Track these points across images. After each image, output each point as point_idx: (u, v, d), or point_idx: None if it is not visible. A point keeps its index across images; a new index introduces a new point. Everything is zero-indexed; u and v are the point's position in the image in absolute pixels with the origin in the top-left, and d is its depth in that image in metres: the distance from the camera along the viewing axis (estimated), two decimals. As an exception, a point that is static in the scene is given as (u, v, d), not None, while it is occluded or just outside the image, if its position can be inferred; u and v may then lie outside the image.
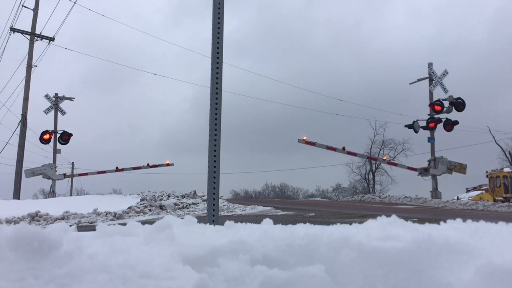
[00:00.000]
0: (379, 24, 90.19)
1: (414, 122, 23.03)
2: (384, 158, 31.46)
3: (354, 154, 25.16)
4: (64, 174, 24.68)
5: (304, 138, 21.54)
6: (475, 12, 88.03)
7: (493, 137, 34.69)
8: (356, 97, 57.43)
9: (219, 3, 4.65)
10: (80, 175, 27.76)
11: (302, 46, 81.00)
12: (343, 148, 22.45)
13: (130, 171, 24.76)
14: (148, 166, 24.24)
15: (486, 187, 26.41)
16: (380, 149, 36.87)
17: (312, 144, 21.77)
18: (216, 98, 4.46)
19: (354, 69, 72.40)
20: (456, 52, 74.79)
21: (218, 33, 4.58)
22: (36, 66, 20.94)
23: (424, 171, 22.96)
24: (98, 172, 25.00)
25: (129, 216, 11.00)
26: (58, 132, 23.65)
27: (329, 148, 22.20)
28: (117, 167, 24.23)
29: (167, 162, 24.53)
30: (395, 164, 27.51)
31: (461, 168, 22.73)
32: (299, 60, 77.54)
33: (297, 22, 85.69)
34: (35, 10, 21.04)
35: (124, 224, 2.55)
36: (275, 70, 72.42)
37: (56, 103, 24.19)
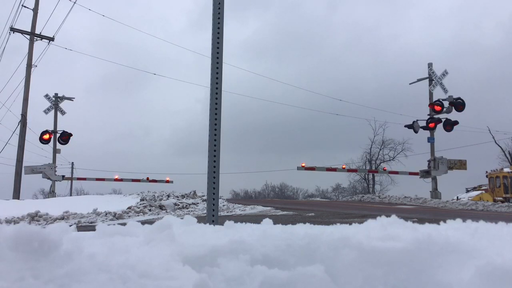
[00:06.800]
0: (396, 28, 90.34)
1: (414, 122, 23.02)
2: (385, 168, 31.63)
3: (355, 171, 25.64)
4: (63, 176, 24.75)
5: (303, 164, 21.98)
6: (492, 15, 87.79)
7: (493, 137, 34.67)
8: (366, 100, 57.26)
9: (219, 3, 4.65)
10: (78, 179, 27.91)
11: (317, 49, 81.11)
12: (343, 167, 22.90)
13: (128, 181, 25.17)
14: (148, 180, 24.65)
15: (486, 187, 26.38)
16: (380, 149, 36.88)
17: (312, 169, 22.19)
18: (216, 98, 4.46)
19: (368, 72, 72.12)
20: (469, 55, 74.86)
21: (218, 33, 4.58)
22: (36, 66, 20.94)
23: (425, 174, 22.98)
24: (97, 179, 25.27)
25: (129, 216, 10.99)
26: (58, 132, 23.64)
27: (329, 169, 22.61)
28: (116, 177, 24.55)
29: (167, 179, 25.04)
30: (397, 173, 27.74)
31: (461, 165, 22.73)
32: (312, 63, 77.62)
33: (315, 25, 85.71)
34: (35, 10, 21.01)
35: (124, 224, 2.55)
36: (285, 73, 72.35)
37: (56, 103, 24.18)
